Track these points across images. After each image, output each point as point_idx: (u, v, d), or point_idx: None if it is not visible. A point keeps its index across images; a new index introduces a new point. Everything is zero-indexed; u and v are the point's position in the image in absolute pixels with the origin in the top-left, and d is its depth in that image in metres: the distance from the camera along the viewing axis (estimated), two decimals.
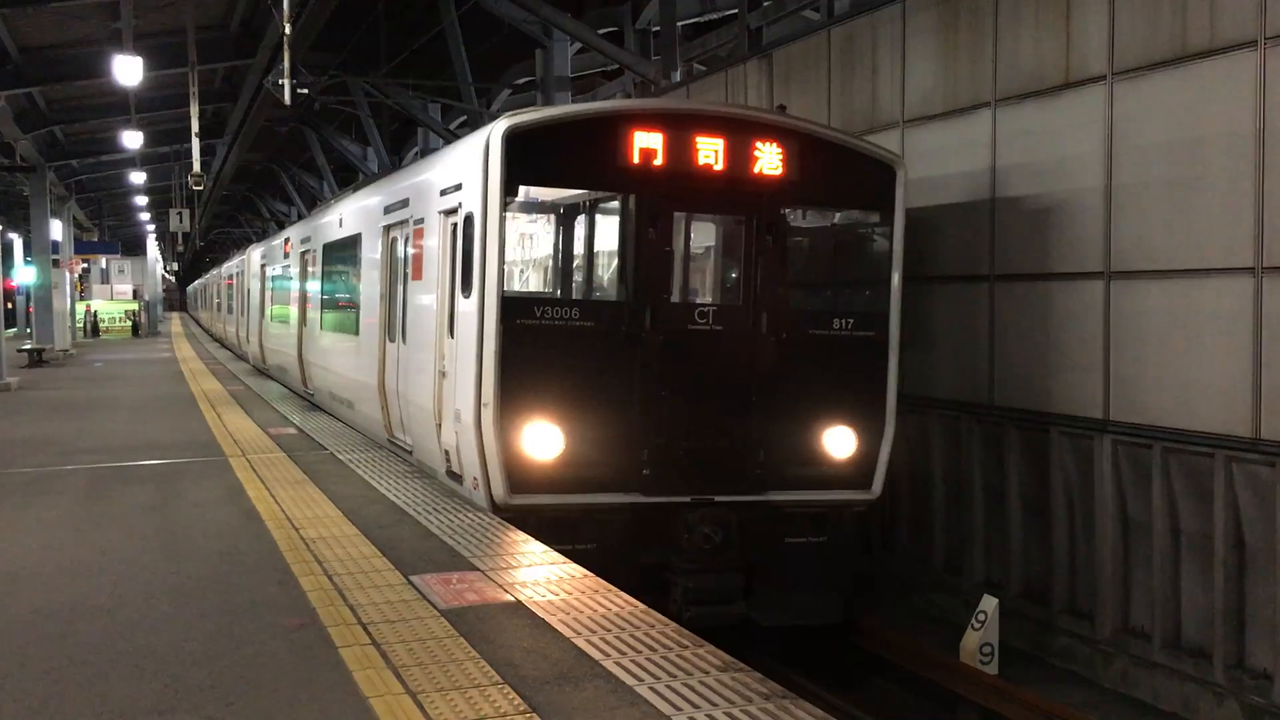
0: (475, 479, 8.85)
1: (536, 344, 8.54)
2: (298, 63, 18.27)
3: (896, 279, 9.52)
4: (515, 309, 8.55)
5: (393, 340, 11.81)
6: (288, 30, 16.41)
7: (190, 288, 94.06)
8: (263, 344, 25.03)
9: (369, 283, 13.13)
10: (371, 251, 13.08)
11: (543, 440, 8.56)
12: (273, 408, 17.14)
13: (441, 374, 9.68)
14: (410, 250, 11.14)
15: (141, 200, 48.34)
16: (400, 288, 11.64)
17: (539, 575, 6.89)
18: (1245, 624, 8.63)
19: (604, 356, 8.70)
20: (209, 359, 31.08)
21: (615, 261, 9.26)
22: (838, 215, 10.06)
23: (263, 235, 44.74)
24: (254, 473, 10.71)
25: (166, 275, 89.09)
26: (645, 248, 8.76)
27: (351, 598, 6.37)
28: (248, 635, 5.72)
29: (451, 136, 23.10)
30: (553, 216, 9.50)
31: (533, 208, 9.33)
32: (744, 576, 9.04)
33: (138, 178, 38.98)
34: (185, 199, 41.23)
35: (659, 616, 5.99)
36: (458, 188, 9.31)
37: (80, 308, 47.94)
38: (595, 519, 8.71)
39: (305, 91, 19.02)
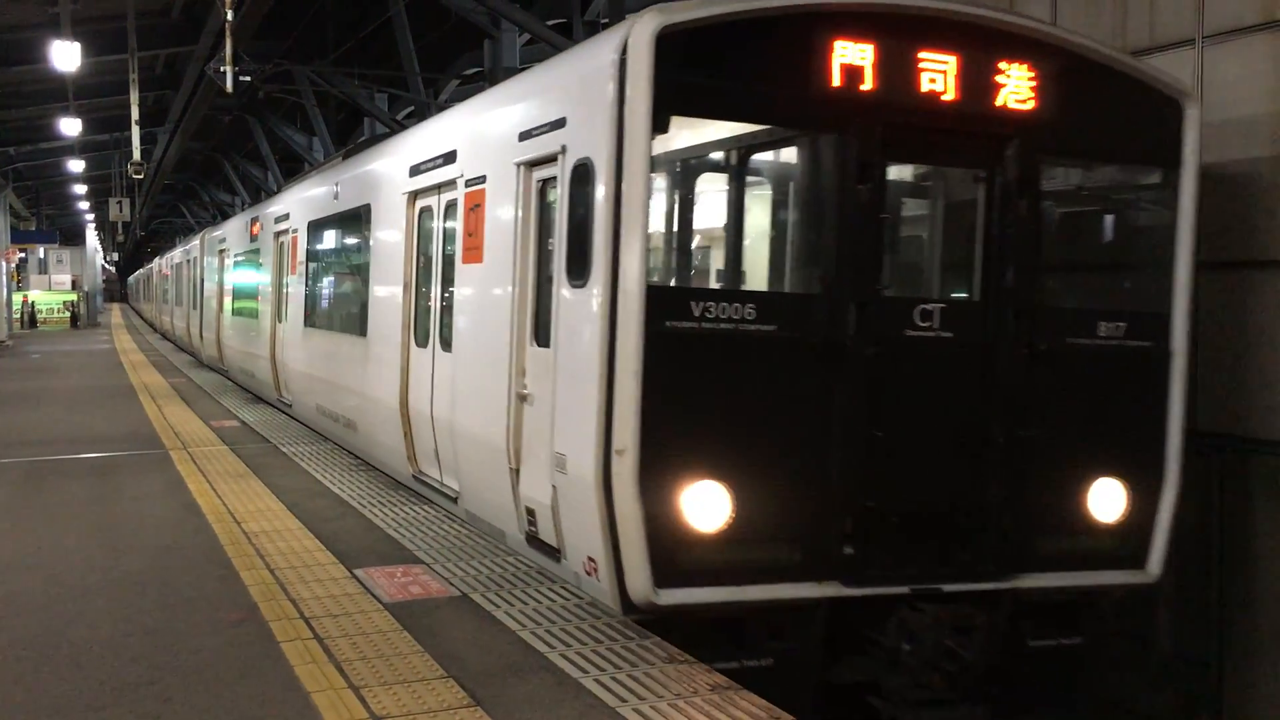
0: (591, 560, 6.05)
1: (696, 359, 5.78)
2: (240, 50, 18.00)
3: (1184, 264, 6.80)
4: (665, 306, 5.70)
5: (422, 345, 9.09)
6: (229, 17, 16.16)
7: (132, 278, 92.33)
8: (222, 342, 21.48)
9: (383, 269, 10.25)
10: (387, 227, 10.20)
11: (706, 505, 5.75)
12: (215, 400, 16.91)
13: (521, 398, 6.91)
14: (457, 223, 8.23)
15: (81, 189, 47.46)
16: (436, 275, 8.84)
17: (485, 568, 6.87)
18: None
19: (790, 377, 5.94)
20: (150, 350, 30.59)
21: (798, 236, 6.64)
22: (1098, 171, 7.28)
23: (206, 225, 43.58)
24: (195, 466, 10.56)
25: (106, 265, 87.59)
26: (852, 214, 5.96)
27: (294, 591, 6.31)
28: (187, 630, 5.64)
29: (399, 127, 20.06)
30: (710, 166, 6.93)
31: (685, 155, 6.64)
32: (991, 709, 6.27)
33: (76, 166, 38.23)
34: (126, 188, 40.49)
35: (605, 607, 5.99)
36: (554, 126, 6.59)
37: (17, 298, 46.99)
38: (775, 621, 6.01)
39: (248, 79, 18.74)
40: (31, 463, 10.85)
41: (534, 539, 6.88)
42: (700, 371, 5.81)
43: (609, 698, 4.74)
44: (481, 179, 7.81)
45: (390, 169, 10.33)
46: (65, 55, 18.60)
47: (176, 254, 35.44)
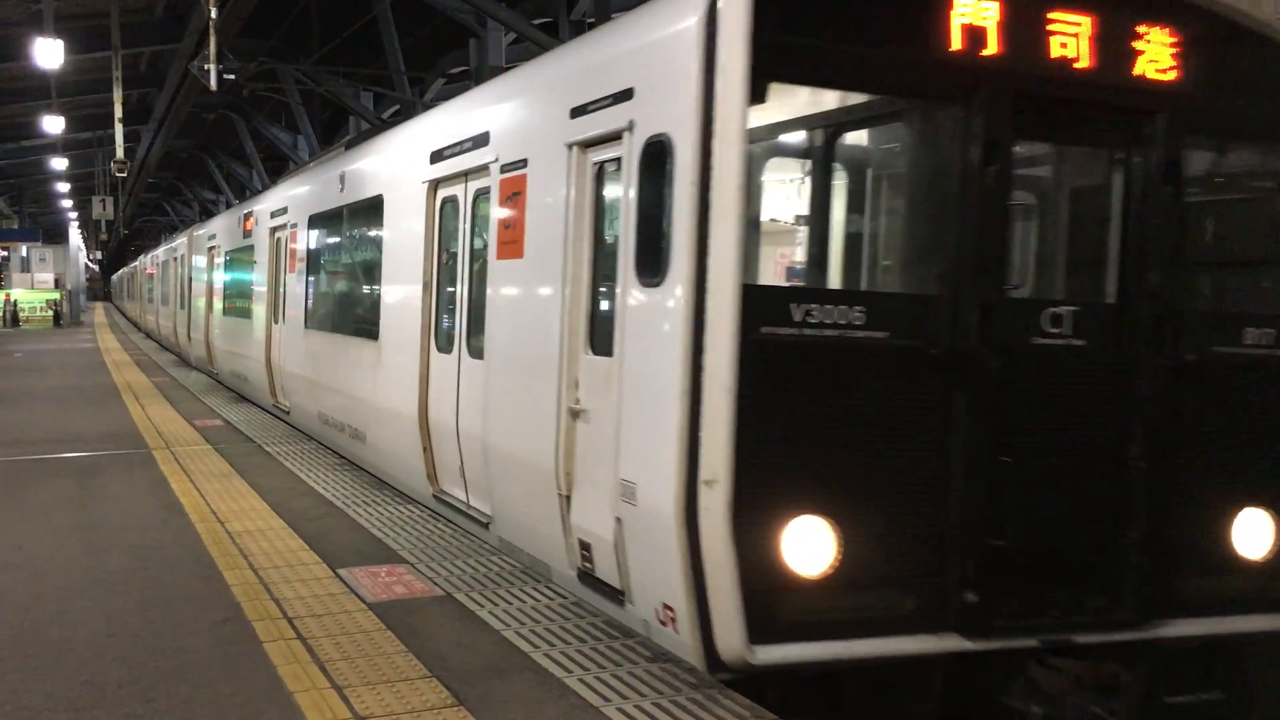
0: (668, 609, 5.20)
1: (797, 372, 4.94)
2: (225, 48, 17.94)
3: None
4: (761, 309, 4.85)
5: (444, 351, 8.26)
6: (213, 15, 16.11)
7: (115, 277, 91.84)
8: (211, 344, 20.38)
9: (398, 267, 9.32)
10: (403, 220, 9.25)
11: (810, 545, 4.92)
12: (199, 399, 16.85)
13: (573, 414, 6.06)
14: (490, 214, 7.35)
15: (64, 187, 47.28)
16: (463, 273, 7.96)
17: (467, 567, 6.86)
18: None
19: (904, 393, 5.11)
20: (133, 349, 30.45)
21: (912, 226, 5.83)
22: (1248, 153, 6.38)
23: (190, 223, 43.23)
24: (178, 466, 10.52)
25: (90, 264, 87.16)
26: (976, 200, 5.13)
27: (277, 592, 6.29)
28: (169, 630, 5.62)
29: (385, 126, 21.63)
30: (806, 142, 6.07)
31: (778, 131, 5.85)
32: None
33: (59, 163, 38.08)
34: (109, 186, 40.33)
35: (589, 607, 5.99)
36: (618, 99, 5.70)
37: None
38: (883, 681, 5.20)
39: (232, 77, 18.66)
40: (13, 462, 10.79)
41: (588, 576, 5.99)
42: (802, 386, 4.94)
43: (593, 697, 4.74)
44: (521, 163, 6.86)
45: (406, 156, 9.39)
46: (48, 52, 18.53)
47: (162, 251, 34.16)
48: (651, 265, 5.25)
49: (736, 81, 4.81)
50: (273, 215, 14.96)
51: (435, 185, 8.53)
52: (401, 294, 9.25)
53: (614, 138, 5.74)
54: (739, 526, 4.76)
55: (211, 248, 20.77)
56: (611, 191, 5.96)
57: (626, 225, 5.52)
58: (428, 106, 11.33)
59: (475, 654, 5.28)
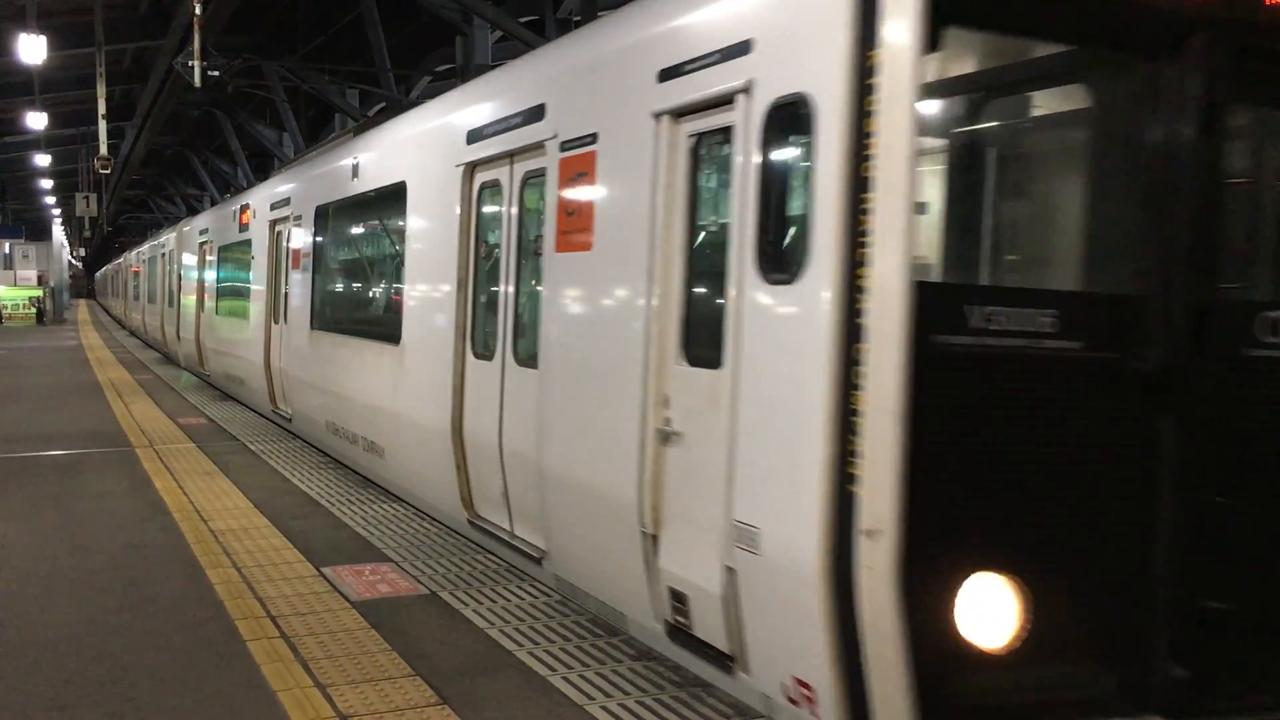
0: (802, 686, 4.29)
1: (975, 391, 3.99)
2: (209, 45, 17.86)
3: None
4: (934, 312, 3.89)
5: (484, 358, 7.23)
6: (198, 11, 16.04)
7: (99, 274, 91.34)
8: (203, 344, 19.18)
9: (425, 262, 8.32)
10: (432, 209, 8.22)
11: (990, 610, 4.01)
12: (183, 397, 16.78)
13: (662, 437, 5.10)
14: (547, 199, 6.28)
15: (47, 183, 46.99)
16: (508, 269, 6.94)
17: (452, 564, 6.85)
18: None
19: (1101, 418, 4.15)
20: (117, 347, 30.31)
21: (1110, 209, 4.57)
22: None
23: (175, 220, 42.82)
24: (162, 464, 10.48)
25: (73, 261, 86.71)
26: (1190, 178, 4.16)
27: (261, 590, 6.27)
28: (152, 629, 5.59)
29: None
30: (968, 107, 4.98)
31: (942, 89, 4.67)
32: None
33: (43, 160, 37.88)
34: (93, 183, 40.11)
35: (573, 605, 5.99)
36: (730, 55, 4.71)
37: None
38: None
39: (216, 74, 18.58)
40: None
41: (681, 632, 5.04)
42: (982, 410, 3.96)
43: (577, 695, 4.74)
44: (588, 139, 5.88)
45: (436, 138, 8.34)
46: (31, 48, 18.42)
47: (149, 247, 32.69)
48: (780, 258, 4.35)
49: (907, 26, 3.83)
50: (273, 208, 13.80)
51: (472, 169, 7.52)
52: (429, 292, 8.21)
53: (720, 103, 4.76)
54: (909, 587, 3.79)
55: (203, 243, 19.64)
56: (715, 169, 5.07)
57: (742, 209, 4.54)
58: (413, 104, 10.81)
59: (459, 652, 5.27)
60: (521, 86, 6.97)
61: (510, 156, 6.97)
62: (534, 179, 6.68)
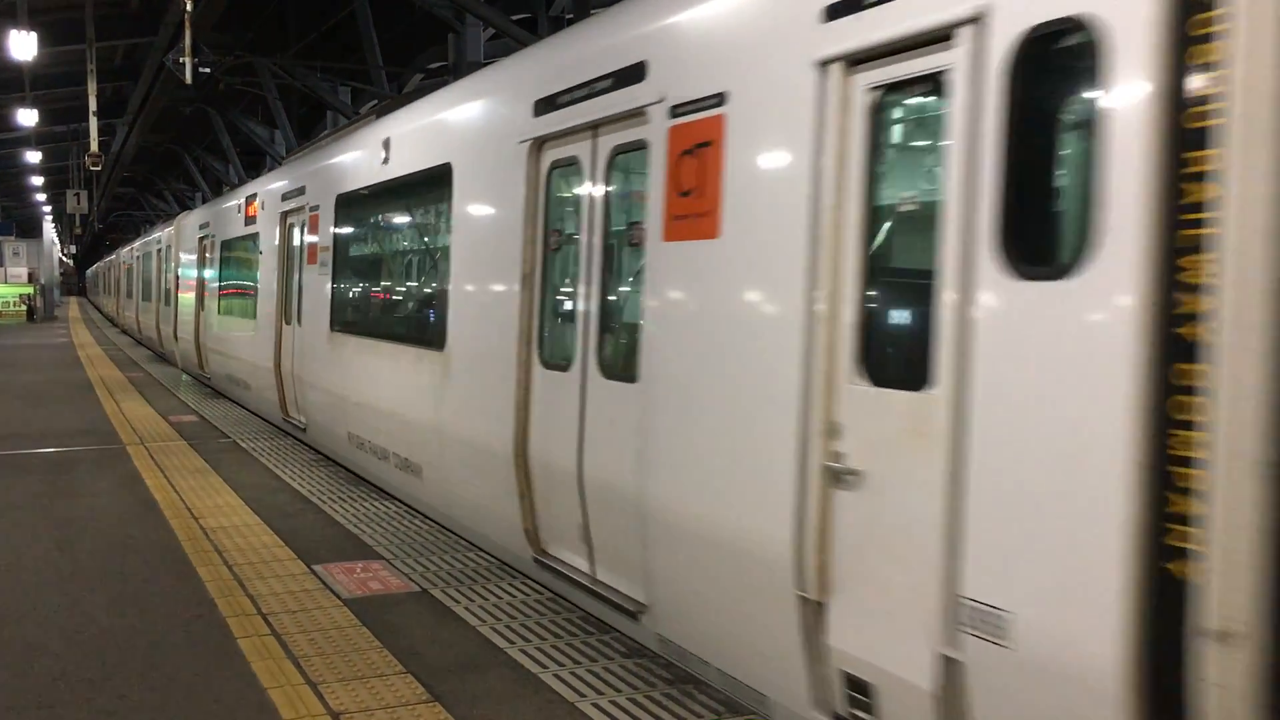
0: None
1: None
2: (200, 42, 17.82)
3: None
4: None
5: (556, 367, 6.12)
6: (189, 8, 16.00)
7: (90, 271, 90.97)
8: (204, 346, 18.09)
9: (478, 255, 7.16)
10: (483, 195, 7.11)
11: None
12: (173, 395, 16.75)
13: (833, 477, 4.06)
14: (650, 176, 5.25)
15: (38, 180, 46.84)
16: (590, 261, 5.84)
17: (443, 563, 6.84)
18: None
19: None
20: (107, 345, 30.23)
21: None
22: None
23: (165, 217, 42.44)
24: (153, 461, 10.45)
25: (64, 258, 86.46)
26: None
27: (251, 588, 6.26)
28: (143, 627, 5.58)
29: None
30: None
31: None
32: None
33: (33, 157, 37.75)
34: (83, 180, 40.02)
35: (565, 603, 5.99)
36: None
37: None
38: None
39: (208, 71, 18.53)
40: None
41: None
42: None
43: (568, 693, 4.74)
44: (712, 101, 4.81)
45: (491, 112, 7.20)
46: (22, 45, 18.36)
47: (143, 243, 31.34)
48: (1043, 245, 3.30)
49: None
50: (285, 198, 12.61)
51: (540, 144, 6.40)
52: (483, 291, 7.05)
53: (925, 42, 3.73)
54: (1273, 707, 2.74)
55: (203, 238, 18.53)
56: (912, 129, 4.08)
57: (967, 182, 3.49)
58: (406, 101, 10.34)
59: (451, 649, 5.27)
60: (609, 44, 5.78)
61: (593, 128, 5.86)
62: (627, 152, 5.60)
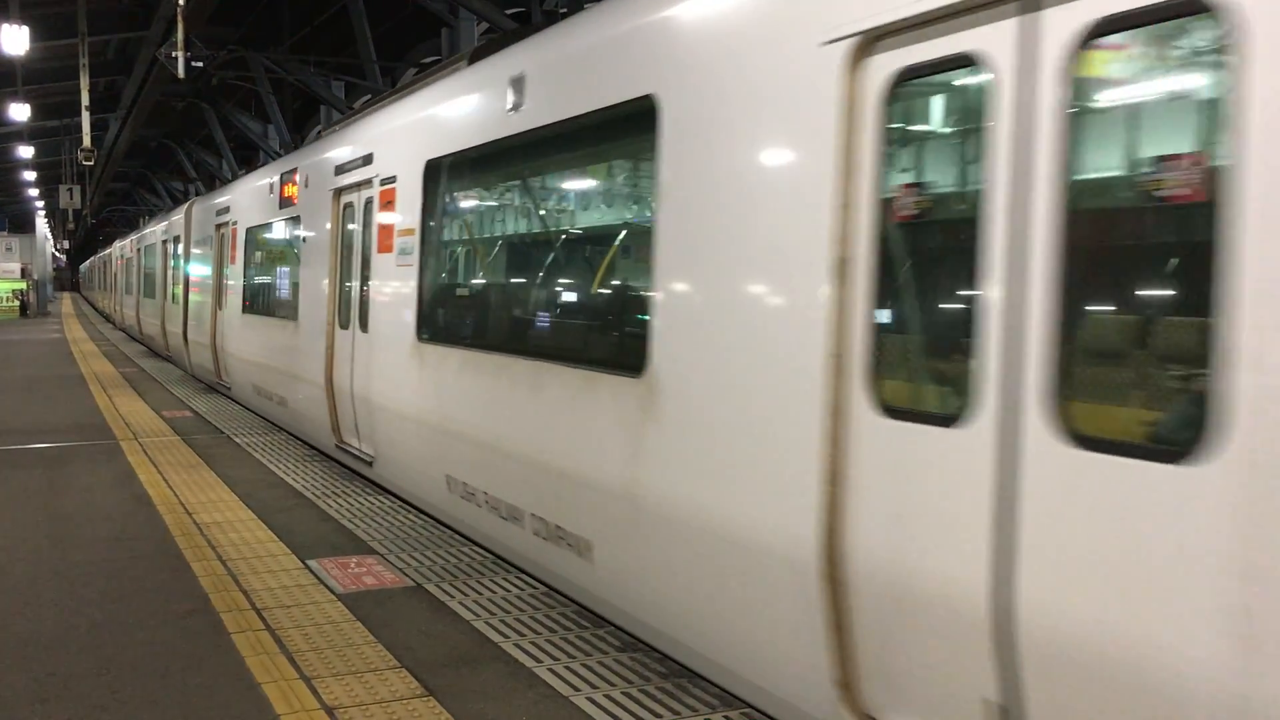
0: None
1: None
2: (193, 36, 17.77)
3: None
4: None
5: (910, 412, 3.72)
6: (182, 2, 15.95)
7: (84, 266, 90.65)
8: (223, 351, 15.80)
9: (719, 238, 4.69)
10: (734, 139, 4.62)
11: None
12: (167, 390, 16.72)
13: None
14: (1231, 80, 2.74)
15: (30, 175, 46.68)
16: (1020, 233, 3.29)
17: (437, 557, 6.84)
18: None
19: None
20: (101, 340, 30.17)
21: None
22: None
23: (158, 213, 42.07)
24: (146, 456, 10.43)
25: (57, 254, 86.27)
26: None
27: (245, 583, 6.25)
28: (136, 622, 5.57)
29: (355, 115, 19.11)
30: None
31: None
32: None
33: (25, 152, 37.60)
34: (76, 175, 39.90)
35: (559, 598, 5.99)
36: None
37: None
38: None
39: (200, 65, 18.47)
40: None
41: None
42: None
43: (562, 687, 4.74)
44: None
45: (749, 12, 4.59)
46: (14, 39, 18.29)
47: (146, 234, 28.64)
48: None
49: None
50: (340, 170, 10.23)
51: (867, 49, 3.90)
52: (731, 290, 4.57)
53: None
54: None
55: (222, 224, 16.31)
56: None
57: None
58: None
59: (445, 644, 5.27)
60: None
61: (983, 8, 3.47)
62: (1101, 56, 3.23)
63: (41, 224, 59.71)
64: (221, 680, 4.80)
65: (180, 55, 16.82)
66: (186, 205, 20.36)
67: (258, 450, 10.89)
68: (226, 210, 16.24)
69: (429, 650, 5.18)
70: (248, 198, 14.92)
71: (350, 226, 10.06)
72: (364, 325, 9.31)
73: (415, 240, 8.18)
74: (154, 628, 5.49)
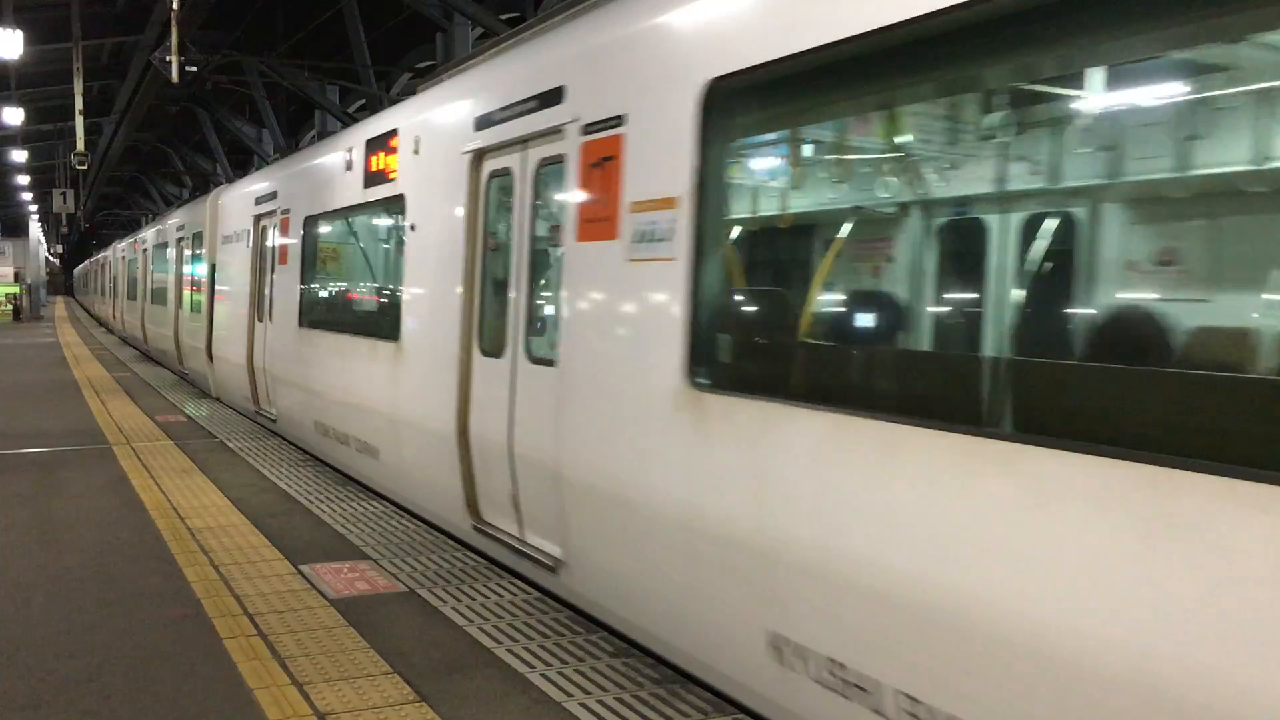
0: None
1: None
2: (188, 40, 17.77)
3: None
4: None
5: None
6: (176, 6, 15.95)
7: (79, 269, 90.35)
8: (266, 372, 12.79)
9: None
10: None
11: None
12: (160, 395, 16.68)
13: None
14: None
15: (23, 180, 46.62)
16: None
17: (430, 563, 6.83)
18: None
19: None
20: (94, 344, 30.11)
21: None
22: None
23: (154, 217, 41.81)
24: (139, 461, 10.41)
25: (50, 258, 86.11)
26: None
27: (238, 588, 6.24)
28: (128, 627, 5.56)
29: (350, 120, 17.18)
30: None
31: None
32: None
33: (19, 156, 37.57)
34: (69, 179, 39.83)
35: (551, 603, 5.99)
36: None
37: None
38: None
39: (195, 70, 18.45)
40: None
41: None
42: None
43: (555, 693, 4.74)
44: None
45: None
46: (8, 43, 18.28)
47: (154, 231, 25.38)
48: None
49: None
50: (490, 121, 6.96)
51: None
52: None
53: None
54: None
55: (265, 215, 13.20)
56: None
57: None
58: (394, 101, 8.81)
59: (438, 650, 5.26)
60: None
61: None
62: None
63: (35, 228, 59.64)
64: (214, 686, 4.79)
65: (174, 59, 16.82)
66: (211, 195, 17.51)
67: (251, 455, 10.88)
68: (271, 197, 12.94)
69: (421, 656, 5.18)
70: (307, 178, 11.60)
71: (495, 212, 7.11)
72: (535, 354, 6.32)
73: (679, 217, 4.84)
74: (146, 632, 5.48)
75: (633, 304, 5.23)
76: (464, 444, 7.13)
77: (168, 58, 17.09)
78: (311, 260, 11.41)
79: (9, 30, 18.27)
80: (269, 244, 12.96)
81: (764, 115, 4.89)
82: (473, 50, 9.86)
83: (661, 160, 5.01)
